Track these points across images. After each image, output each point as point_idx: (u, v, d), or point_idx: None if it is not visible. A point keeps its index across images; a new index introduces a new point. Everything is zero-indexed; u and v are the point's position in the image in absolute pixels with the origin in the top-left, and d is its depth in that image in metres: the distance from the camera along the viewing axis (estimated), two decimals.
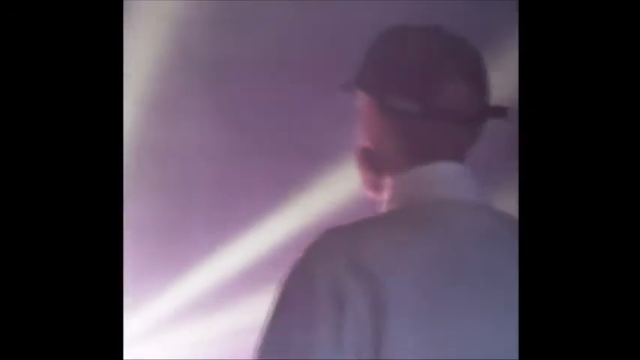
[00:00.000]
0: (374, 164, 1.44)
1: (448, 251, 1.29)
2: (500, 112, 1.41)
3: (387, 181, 1.42)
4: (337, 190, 3.04)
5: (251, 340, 1.28)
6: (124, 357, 1.26)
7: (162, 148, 2.86)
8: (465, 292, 1.28)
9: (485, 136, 1.44)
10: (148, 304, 3.37)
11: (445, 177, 1.39)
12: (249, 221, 3.41)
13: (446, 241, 1.31)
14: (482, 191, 1.41)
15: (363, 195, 1.50)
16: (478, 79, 1.41)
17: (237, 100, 2.79)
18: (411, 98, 1.37)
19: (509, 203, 1.46)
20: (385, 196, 1.42)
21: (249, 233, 3.59)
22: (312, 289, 1.23)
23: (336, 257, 1.24)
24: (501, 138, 1.92)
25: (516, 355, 1.21)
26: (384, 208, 1.41)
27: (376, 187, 1.44)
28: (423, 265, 1.26)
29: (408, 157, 1.40)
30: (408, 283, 1.23)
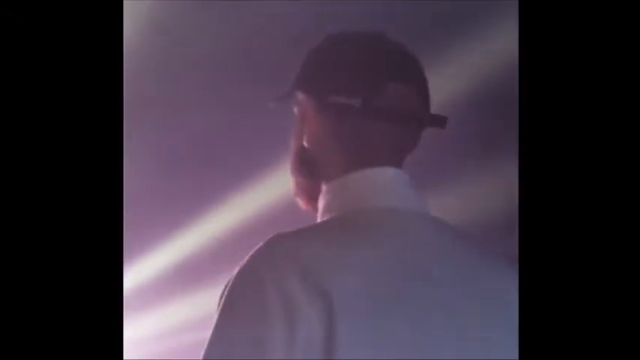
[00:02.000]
0: (311, 169, 1.42)
1: (395, 260, 1.26)
2: (439, 121, 1.41)
3: (323, 188, 1.40)
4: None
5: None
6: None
7: None
8: (415, 300, 1.25)
9: (423, 143, 1.43)
10: None
11: (386, 184, 1.37)
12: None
13: (393, 250, 1.28)
14: (421, 198, 1.39)
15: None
16: (418, 84, 1.41)
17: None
18: (352, 94, 1.36)
19: (445, 210, 1.47)
20: (320, 202, 1.40)
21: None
22: (261, 302, 1.19)
23: (284, 268, 1.21)
24: (438, 145, 1.93)
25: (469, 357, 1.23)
26: (320, 216, 1.39)
27: (310, 193, 1.43)
28: (371, 275, 1.23)
29: (346, 161, 1.38)
30: (359, 293, 1.20)
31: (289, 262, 1.21)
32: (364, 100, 1.36)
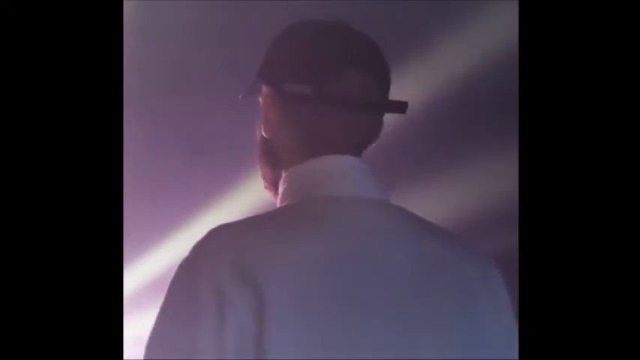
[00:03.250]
0: (272, 159, 1.41)
1: (338, 251, 1.22)
2: (398, 106, 1.38)
3: (282, 176, 1.38)
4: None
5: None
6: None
7: None
8: (359, 298, 1.20)
9: (423, 143, 1.41)
10: None
11: (339, 171, 1.34)
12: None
13: (336, 240, 1.24)
14: (380, 187, 1.36)
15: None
16: (376, 70, 1.39)
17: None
18: (305, 82, 1.35)
19: (444, 210, 1.45)
20: (279, 191, 1.38)
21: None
22: (194, 291, 1.17)
23: (219, 258, 1.18)
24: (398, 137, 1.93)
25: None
26: (278, 203, 1.37)
27: (275, 184, 1.41)
28: (309, 266, 1.19)
29: (303, 150, 1.37)
30: (292, 286, 1.17)
31: (224, 253, 1.19)
32: (316, 87, 1.35)
